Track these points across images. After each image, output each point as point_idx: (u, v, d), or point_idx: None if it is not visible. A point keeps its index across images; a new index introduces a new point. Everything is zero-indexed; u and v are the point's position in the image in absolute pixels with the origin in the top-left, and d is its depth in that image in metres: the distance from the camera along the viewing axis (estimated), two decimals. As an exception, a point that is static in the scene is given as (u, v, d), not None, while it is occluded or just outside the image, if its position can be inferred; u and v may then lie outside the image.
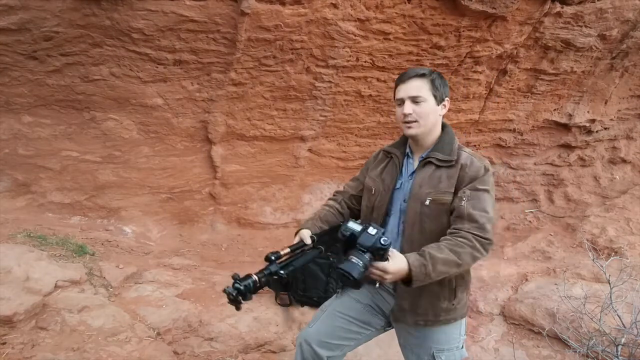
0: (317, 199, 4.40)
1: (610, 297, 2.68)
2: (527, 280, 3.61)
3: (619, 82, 4.36)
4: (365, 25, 3.17)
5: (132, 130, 3.46)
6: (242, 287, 1.22)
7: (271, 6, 2.88)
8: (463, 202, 1.45)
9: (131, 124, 3.44)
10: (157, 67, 3.12)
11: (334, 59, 3.34)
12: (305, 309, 2.94)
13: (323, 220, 1.75)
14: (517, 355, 2.89)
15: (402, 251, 1.46)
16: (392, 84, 3.84)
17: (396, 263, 1.32)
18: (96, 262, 2.93)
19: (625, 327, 2.58)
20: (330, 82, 3.53)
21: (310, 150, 4.10)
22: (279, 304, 2.97)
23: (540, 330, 2.99)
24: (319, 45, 3.22)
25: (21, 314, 2.20)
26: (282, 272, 1.34)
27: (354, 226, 1.34)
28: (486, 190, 1.48)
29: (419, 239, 1.50)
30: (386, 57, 3.45)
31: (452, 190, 1.50)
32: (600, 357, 2.55)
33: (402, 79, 1.59)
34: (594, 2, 3.43)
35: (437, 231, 1.50)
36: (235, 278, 1.25)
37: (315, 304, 2.89)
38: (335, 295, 1.82)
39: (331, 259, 2.91)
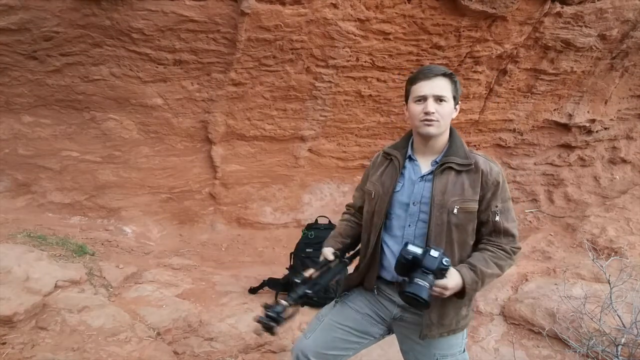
0: (317, 199, 4.40)
1: (610, 297, 2.68)
2: (527, 280, 3.60)
3: (619, 82, 4.36)
4: (365, 25, 3.17)
5: (132, 130, 3.46)
6: (273, 315, 1.35)
7: (271, 6, 2.88)
8: (497, 217, 1.50)
9: (131, 124, 3.44)
10: (157, 67, 3.12)
11: (334, 59, 3.34)
12: (306, 309, 2.94)
13: (344, 235, 1.77)
14: (517, 355, 2.88)
15: None
16: (392, 84, 3.91)
17: (454, 280, 1.41)
18: (96, 262, 2.93)
19: (625, 327, 2.57)
20: (330, 82, 3.53)
21: (310, 150, 4.10)
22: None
23: (540, 330, 2.99)
24: (319, 45, 3.22)
25: (21, 314, 2.19)
26: (308, 291, 1.46)
27: (415, 249, 1.39)
28: (510, 198, 1.55)
29: (446, 249, 1.47)
30: (386, 57, 3.45)
31: (477, 198, 1.49)
32: (600, 357, 2.54)
33: (425, 75, 1.50)
34: (594, 2, 3.43)
35: (462, 240, 1.50)
36: (266, 306, 1.37)
37: (316, 303, 2.89)
38: (333, 302, 1.76)
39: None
